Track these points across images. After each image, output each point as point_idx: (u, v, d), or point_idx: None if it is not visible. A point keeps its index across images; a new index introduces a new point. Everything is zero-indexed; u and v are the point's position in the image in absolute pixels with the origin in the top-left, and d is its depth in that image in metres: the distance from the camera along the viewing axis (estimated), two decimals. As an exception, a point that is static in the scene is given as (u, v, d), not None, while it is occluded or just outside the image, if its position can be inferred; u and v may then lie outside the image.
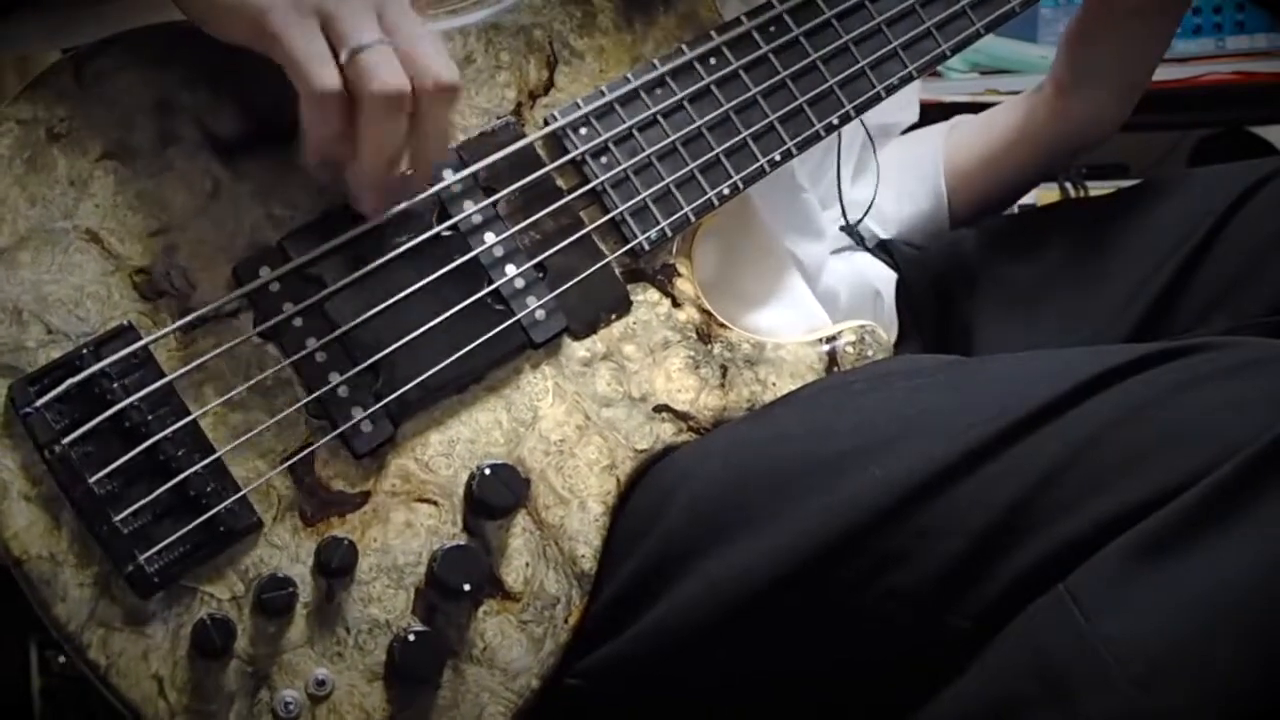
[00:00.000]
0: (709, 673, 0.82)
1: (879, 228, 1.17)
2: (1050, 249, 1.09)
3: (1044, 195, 1.44)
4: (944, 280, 1.13)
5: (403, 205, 0.81)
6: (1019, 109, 1.16)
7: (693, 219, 0.89)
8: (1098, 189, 1.41)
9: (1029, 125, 1.15)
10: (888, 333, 0.94)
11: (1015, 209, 1.25)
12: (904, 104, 1.17)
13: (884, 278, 1.10)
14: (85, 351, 0.75)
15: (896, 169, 1.18)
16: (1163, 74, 1.54)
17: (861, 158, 1.14)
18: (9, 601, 0.75)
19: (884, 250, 1.14)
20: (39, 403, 0.74)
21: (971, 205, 1.20)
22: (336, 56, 0.73)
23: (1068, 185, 1.48)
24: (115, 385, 0.75)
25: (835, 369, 0.92)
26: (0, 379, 0.75)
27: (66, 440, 0.74)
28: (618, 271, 0.87)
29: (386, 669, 0.78)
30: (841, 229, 1.09)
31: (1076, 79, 1.11)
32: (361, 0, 0.73)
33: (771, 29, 0.92)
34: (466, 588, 0.78)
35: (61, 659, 0.77)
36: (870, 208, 1.12)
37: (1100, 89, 1.11)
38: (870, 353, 0.92)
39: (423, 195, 0.82)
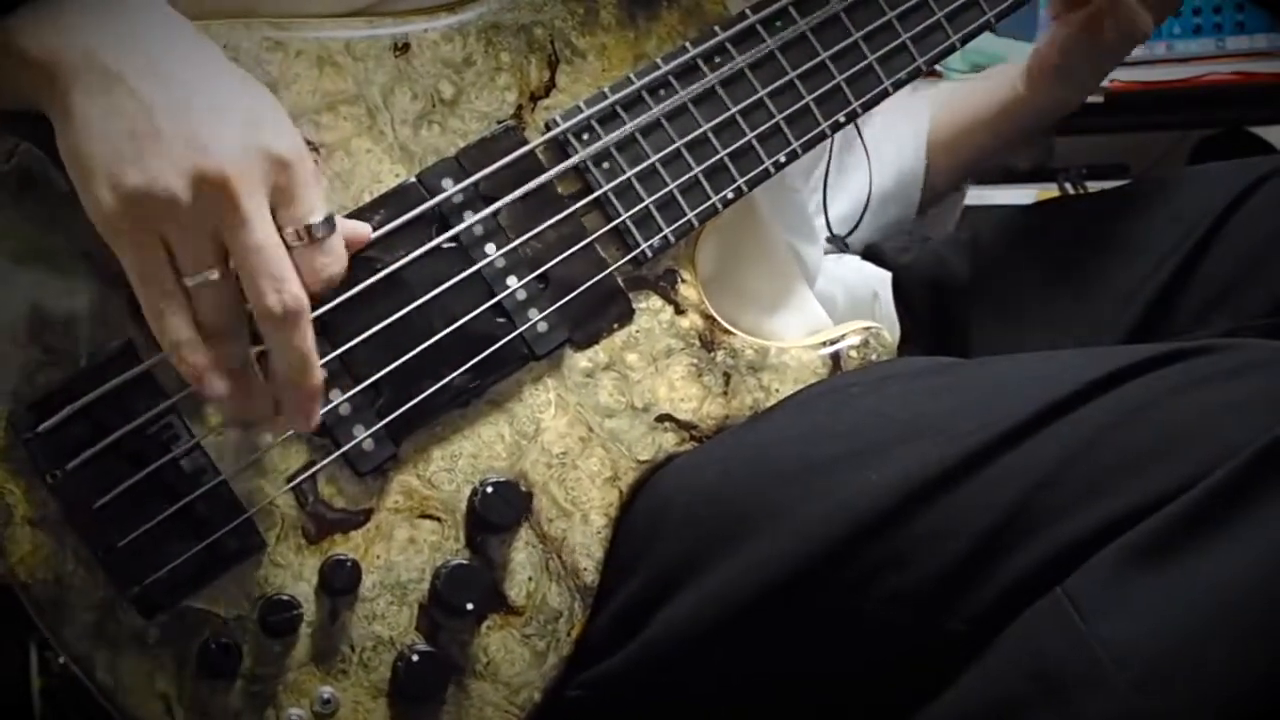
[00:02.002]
0: (709, 678, 0.82)
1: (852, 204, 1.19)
2: (1047, 248, 1.07)
3: (1043, 194, 1.43)
4: (939, 280, 1.12)
5: (401, 220, 0.81)
6: (991, 91, 1.20)
7: (696, 224, 0.87)
8: (1097, 189, 1.39)
9: (1001, 106, 1.19)
10: (890, 334, 0.93)
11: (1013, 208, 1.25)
12: None
13: (880, 279, 1.09)
14: (86, 375, 0.75)
15: (881, 132, 1.21)
16: (1163, 74, 1.53)
17: (843, 162, 1.15)
18: (9, 602, 0.76)
19: (872, 254, 1.13)
20: (40, 428, 0.74)
21: (944, 174, 1.25)
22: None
23: (1067, 185, 1.46)
24: (117, 409, 0.75)
25: (838, 372, 0.91)
26: (0, 404, 0.74)
27: (69, 466, 0.74)
28: (620, 280, 0.86)
29: (391, 686, 0.79)
30: (828, 239, 1.08)
31: (1044, 83, 1.16)
32: (201, 227, 0.69)
33: (778, 23, 0.90)
34: (470, 607, 0.79)
35: (61, 660, 0.77)
36: (860, 223, 1.12)
37: (1066, 90, 1.15)
38: (874, 355, 0.91)
39: (423, 208, 0.81)
